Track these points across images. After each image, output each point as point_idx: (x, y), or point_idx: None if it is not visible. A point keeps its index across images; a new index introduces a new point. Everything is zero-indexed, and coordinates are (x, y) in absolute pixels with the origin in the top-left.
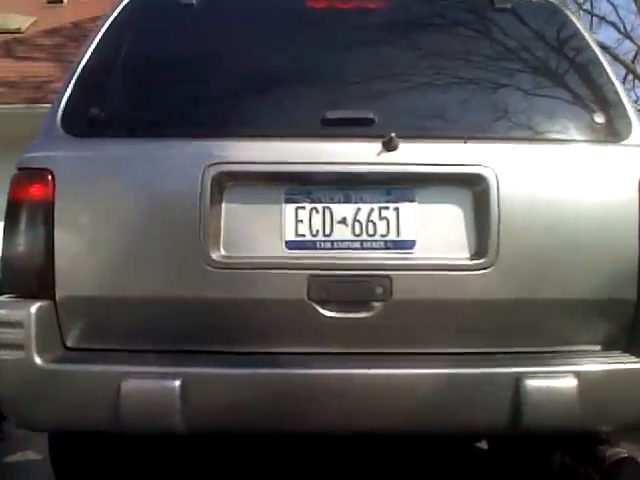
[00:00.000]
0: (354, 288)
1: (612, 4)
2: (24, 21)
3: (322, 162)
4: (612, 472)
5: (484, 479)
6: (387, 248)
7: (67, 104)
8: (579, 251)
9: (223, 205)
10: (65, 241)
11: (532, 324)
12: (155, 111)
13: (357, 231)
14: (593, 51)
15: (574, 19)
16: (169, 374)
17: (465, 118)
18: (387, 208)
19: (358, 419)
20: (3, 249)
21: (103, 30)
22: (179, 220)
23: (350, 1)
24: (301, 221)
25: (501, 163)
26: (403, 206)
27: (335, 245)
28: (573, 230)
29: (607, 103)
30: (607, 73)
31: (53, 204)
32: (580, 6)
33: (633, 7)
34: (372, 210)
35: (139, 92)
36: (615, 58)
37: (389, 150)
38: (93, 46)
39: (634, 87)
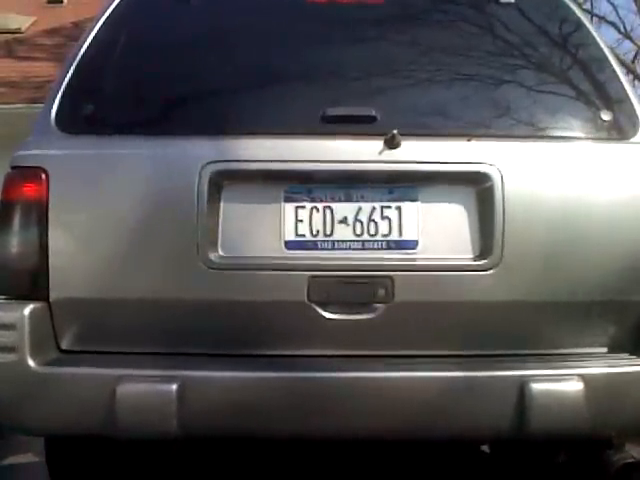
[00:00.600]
0: (355, 289)
1: (612, 4)
2: (24, 21)
3: (322, 160)
4: (619, 477)
5: None
6: (389, 248)
7: (61, 102)
8: (585, 251)
9: (221, 204)
10: (59, 241)
11: (537, 326)
12: (151, 108)
13: (358, 231)
14: (599, 47)
15: (580, 14)
16: (166, 377)
17: (468, 115)
18: (389, 207)
19: (359, 424)
20: None
21: (98, 26)
22: (176, 220)
23: None
24: (301, 221)
25: (505, 161)
26: (405, 205)
27: (336, 245)
28: (579, 230)
29: (614, 100)
30: (614, 69)
31: (47, 203)
32: (580, 6)
33: (633, 7)
34: (374, 209)
35: (134, 89)
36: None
37: (391, 148)
38: (87, 43)
39: (634, 87)
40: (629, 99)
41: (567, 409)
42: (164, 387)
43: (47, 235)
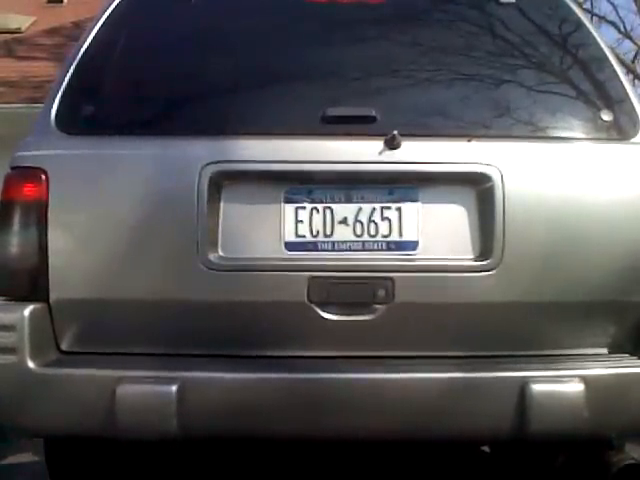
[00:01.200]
0: (355, 290)
1: (612, 4)
2: (24, 21)
3: (323, 161)
4: (620, 478)
5: None
6: (389, 249)
7: (61, 102)
8: (585, 252)
9: (221, 205)
10: (59, 242)
11: (538, 327)
12: (151, 109)
13: (358, 232)
14: (600, 47)
15: (580, 14)
16: (165, 378)
17: (469, 116)
18: (389, 208)
19: (359, 424)
20: None
21: (97, 27)
22: (176, 220)
23: None
24: (301, 221)
25: (506, 162)
26: (405, 206)
27: (336, 246)
28: (579, 231)
29: (614, 100)
30: (614, 69)
31: (47, 204)
32: (580, 6)
33: (633, 7)
34: (374, 210)
35: (135, 89)
36: None
37: (391, 148)
38: (87, 42)
39: (634, 87)
40: (629, 99)
41: (568, 410)
42: (164, 388)
43: (47, 236)
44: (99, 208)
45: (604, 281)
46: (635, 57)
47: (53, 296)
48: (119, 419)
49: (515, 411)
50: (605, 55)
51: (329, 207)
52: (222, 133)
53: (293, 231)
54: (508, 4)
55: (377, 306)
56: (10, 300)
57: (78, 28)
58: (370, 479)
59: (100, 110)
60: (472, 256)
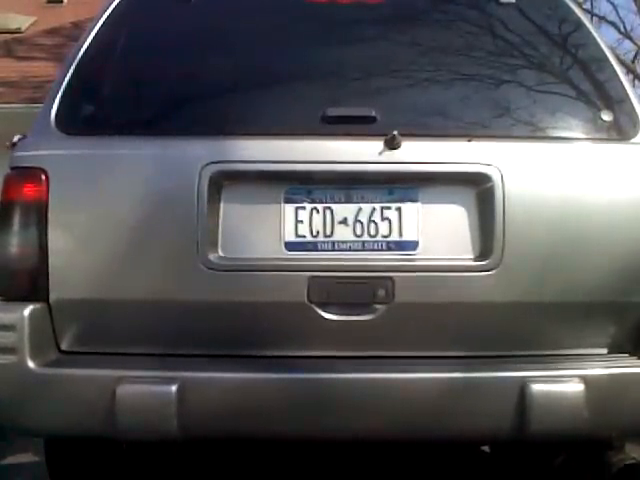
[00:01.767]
0: (356, 290)
1: (612, 4)
2: (24, 21)
3: (322, 161)
4: (620, 478)
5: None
6: (389, 249)
7: (61, 102)
8: (586, 252)
9: (221, 205)
10: (59, 242)
11: (537, 327)
12: (151, 109)
13: (358, 232)
14: (600, 47)
15: (580, 14)
16: (165, 378)
17: (469, 116)
18: (389, 208)
19: (359, 425)
20: None
21: (97, 27)
22: (176, 220)
23: None
24: (301, 221)
25: (506, 162)
26: (405, 206)
27: (336, 246)
28: (579, 231)
29: (614, 100)
30: (614, 70)
31: (47, 204)
32: (580, 6)
33: (633, 7)
34: (374, 210)
35: (135, 89)
36: None
37: (391, 149)
38: (87, 43)
39: (634, 87)
40: (629, 99)
41: (567, 410)
42: (164, 388)
43: (47, 236)
44: (99, 208)
45: (604, 281)
46: (635, 57)
47: (53, 296)
48: (119, 419)
49: (515, 411)
50: (605, 55)
51: (329, 207)
52: (222, 133)
53: (293, 231)
54: (508, 4)
55: (377, 306)
56: (10, 300)
57: (78, 28)
58: (370, 479)
59: (100, 110)
60: (472, 256)
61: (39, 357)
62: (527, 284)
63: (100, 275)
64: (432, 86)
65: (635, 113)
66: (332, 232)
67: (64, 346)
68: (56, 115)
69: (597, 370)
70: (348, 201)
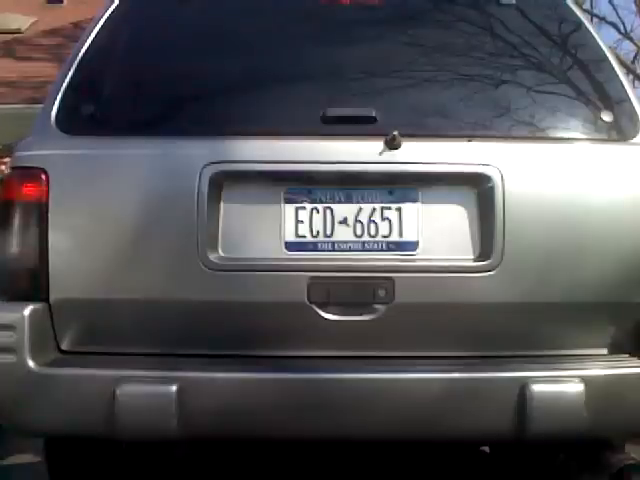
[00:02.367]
0: (356, 290)
1: (612, 4)
2: (24, 21)
3: (323, 161)
4: (619, 478)
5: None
6: (389, 249)
7: (61, 102)
8: (586, 253)
9: (221, 205)
10: (59, 242)
11: (537, 327)
12: (151, 109)
13: (359, 232)
14: (600, 47)
15: (580, 15)
16: (165, 378)
17: (469, 116)
18: (389, 208)
19: (359, 425)
20: None
21: (98, 27)
22: (176, 220)
23: None
24: (301, 222)
25: (506, 162)
26: (406, 206)
27: (336, 246)
28: (580, 231)
29: (614, 101)
30: (614, 70)
31: (47, 204)
32: (580, 6)
33: (633, 7)
34: (374, 210)
35: (135, 90)
36: None
37: (391, 149)
38: (88, 43)
39: (634, 87)
40: (630, 100)
41: (567, 410)
42: (164, 388)
43: (47, 235)
44: (99, 208)
45: (604, 282)
46: (635, 57)
47: (53, 296)
48: (119, 419)
49: (515, 411)
50: (605, 55)
51: (329, 207)
52: (222, 133)
53: (293, 231)
54: (508, 5)
55: (377, 306)
56: (10, 300)
57: (78, 28)
58: (370, 479)
59: (100, 110)
60: (472, 256)
61: (39, 357)
62: (527, 285)
63: (100, 275)
64: (432, 86)
65: (635, 113)
66: (332, 232)
67: (64, 346)
68: (57, 115)
69: (597, 370)
70: (348, 201)
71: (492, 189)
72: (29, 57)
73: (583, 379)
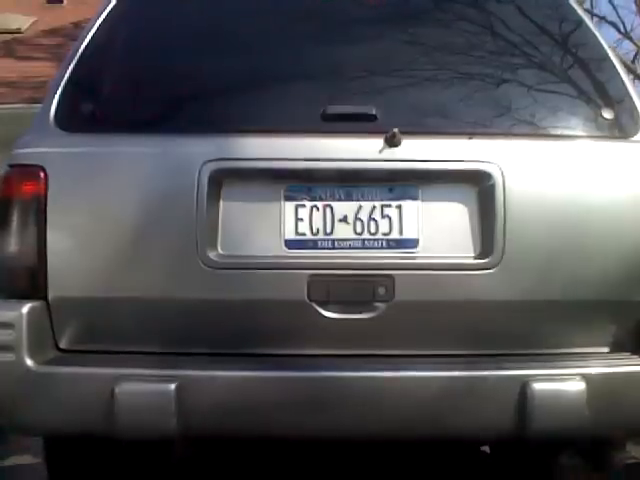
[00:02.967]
0: (356, 288)
1: (612, 4)
2: (24, 21)
3: (323, 158)
4: (620, 477)
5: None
6: (389, 247)
7: (60, 99)
8: (587, 251)
9: (221, 203)
10: (58, 240)
11: (538, 325)
12: (150, 106)
13: (359, 229)
14: (601, 45)
15: (581, 12)
16: (164, 377)
17: (470, 113)
18: (389, 206)
19: (359, 424)
20: None
21: (97, 24)
22: (175, 218)
23: None
24: (301, 219)
25: (507, 160)
26: (406, 204)
27: (336, 244)
28: (581, 229)
29: (615, 98)
30: (615, 68)
31: (45, 202)
32: (580, 5)
33: (633, 7)
34: (374, 208)
35: (134, 87)
36: None
37: (391, 146)
38: (87, 40)
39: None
40: (631, 97)
41: (569, 409)
42: (163, 387)
43: (45, 233)
44: (98, 206)
45: (605, 280)
46: (635, 57)
47: (52, 294)
48: (118, 418)
49: (516, 410)
50: (606, 53)
51: (329, 205)
52: (222, 130)
53: (293, 229)
54: (508, 2)
55: (377, 304)
56: (9, 298)
57: (78, 28)
58: (370, 479)
59: (100, 107)
60: (472, 254)
61: (37, 355)
62: (528, 282)
63: (99, 273)
64: (433, 84)
65: (636, 111)
66: (332, 230)
67: (63, 344)
68: (55, 112)
69: (598, 369)
70: (348, 199)
71: (493, 186)
72: (29, 57)
73: (584, 377)
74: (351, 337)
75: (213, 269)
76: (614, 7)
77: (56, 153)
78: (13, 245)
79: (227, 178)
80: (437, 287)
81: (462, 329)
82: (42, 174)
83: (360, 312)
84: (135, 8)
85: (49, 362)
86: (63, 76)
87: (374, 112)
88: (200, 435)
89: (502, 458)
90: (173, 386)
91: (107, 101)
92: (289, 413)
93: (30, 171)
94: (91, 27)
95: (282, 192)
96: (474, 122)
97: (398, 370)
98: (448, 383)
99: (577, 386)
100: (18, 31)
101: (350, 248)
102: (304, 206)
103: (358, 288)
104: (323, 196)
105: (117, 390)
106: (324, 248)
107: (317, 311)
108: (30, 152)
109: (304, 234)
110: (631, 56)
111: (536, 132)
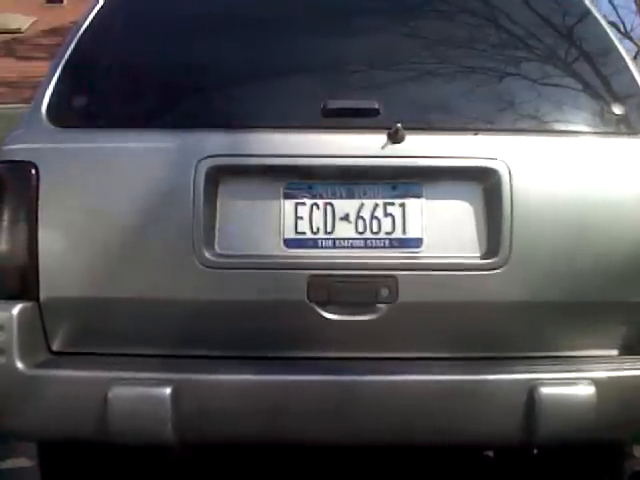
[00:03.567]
0: (357, 289)
1: (612, 4)
2: (24, 21)
3: (323, 155)
4: None
5: None
6: (392, 247)
7: (52, 94)
8: (596, 250)
9: (218, 201)
10: (50, 239)
11: (546, 328)
12: (145, 101)
13: (360, 228)
14: (610, 39)
15: (589, 5)
16: (160, 380)
17: (475, 109)
18: (392, 204)
19: (361, 428)
20: None
21: (91, 17)
22: (171, 216)
23: None
24: (301, 218)
25: (513, 156)
26: (409, 202)
27: (337, 243)
28: (589, 228)
29: (625, 94)
30: (625, 62)
31: (37, 199)
32: None
33: (633, 7)
34: (376, 206)
35: (128, 81)
36: None
37: (395, 142)
38: (80, 34)
39: None
40: None
41: (577, 413)
42: (158, 390)
43: (37, 232)
44: (91, 204)
45: (615, 280)
46: (635, 57)
47: (43, 294)
48: (111, 423)
49: (523, 415)
50: (615, 47)
51: (330, 203)
52: (219, 126)
53: (293, 228)
54: None
55: (380, 305)
56: None
57: None
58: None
59: (93, 102)
60: (478, 254)
61: (29, 358)
62: (535, 283)
63: (92, 273)
64: (437, 78)
65: None
66: (333, 229)
67: (55, 346)
68: (48, 107)
69: (608, 372)
70: (350, 197)
71: (499, 184)
72: (29, 57)
73: (594, 381)
74: (353, 339)
75: (210, 269)
76: (614, 7)
77: (48, 149)
78: (3, 244)
79: (224, 175)
80: (442, 288)
81: (467, 331)
82: (33, 171)
83: (362, 314)
84: (128, 2)
85: (41, 365)
86: (55, 70)
87: (377, 107)
88: (196, 441)
89: (506, 463)
90: (169, 390)
91: (101, 95)
92: (288, 418)
93: (21, 168)
94: (84, 21)
95: (281, 190)
96: (480, 117)
97: (401, 374)
98: (453, 387)
99: (586, 390)
100: (18, 31)
101: (352, 248)
102: (304, 204)
103: (360, 289)
104: (324, 194)
105: (110, 394)
106: (325, 247)
107: (317, 312)
108: (21, 148)
109: (304, 233)
110: (631, 56)
111: (543, 128)
